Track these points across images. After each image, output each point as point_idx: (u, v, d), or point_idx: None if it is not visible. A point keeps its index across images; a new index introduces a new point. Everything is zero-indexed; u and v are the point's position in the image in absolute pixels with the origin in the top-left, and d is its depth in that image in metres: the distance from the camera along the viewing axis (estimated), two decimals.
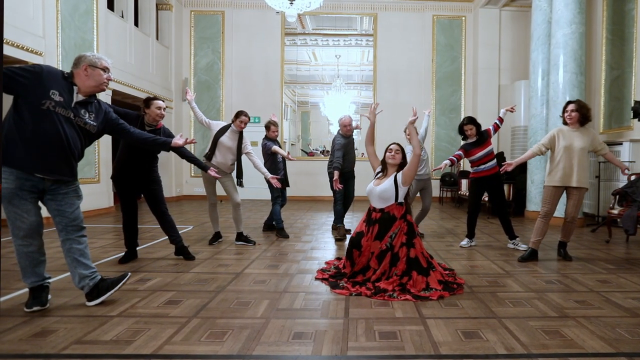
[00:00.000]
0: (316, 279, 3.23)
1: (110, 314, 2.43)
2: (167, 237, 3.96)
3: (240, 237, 4.62)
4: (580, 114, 3.79)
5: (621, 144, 6.21)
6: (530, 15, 7.38)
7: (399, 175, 3.15)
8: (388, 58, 10.25)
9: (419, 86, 10.21)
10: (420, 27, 10.19)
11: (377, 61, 10.30)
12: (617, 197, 5.04)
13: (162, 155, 3.92)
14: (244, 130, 4.54)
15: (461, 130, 4.59)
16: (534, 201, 6.94)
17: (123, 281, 2.68)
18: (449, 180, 9.43)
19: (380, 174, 3.31)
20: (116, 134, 2.90)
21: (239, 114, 4.53)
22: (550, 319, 2.45)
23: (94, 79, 2.57)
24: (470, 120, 4.53)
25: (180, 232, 4.03)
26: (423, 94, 10.18)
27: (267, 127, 5.26)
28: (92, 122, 2.61)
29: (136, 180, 3.72)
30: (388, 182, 3.14)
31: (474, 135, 4.50)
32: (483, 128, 4.65)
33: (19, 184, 2.36)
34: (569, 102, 3.90)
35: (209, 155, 4.43)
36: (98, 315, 2.42)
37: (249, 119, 4.57)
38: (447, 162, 4.45)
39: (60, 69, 2.79)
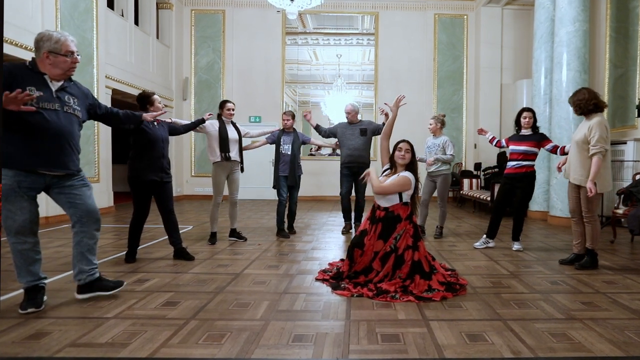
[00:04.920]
0: (317, 279, 3.18)
1: (107, 316, 2.38)
2: (167, 237, 3.91)
3: (234, 233, 4.71)
4: (573, 104, 3.58)
5: (625, 143, 6.14)
6: (533, 13, 7.32)
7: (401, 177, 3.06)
8: (389, 57, 10.19)
9: (421, 85, 10.15)
10: (421, 25, 10.13)
11: (379, 60, 10.24)
12: (622, 196, 4.97)
13: None
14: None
15: (517, 120, 4.33)
16: (537, 201, 6.87)
17: (116, 290, 2.71)
18: (451, 180, 9.34)
19: (388, 171, 3.23)
20: (102, 118, 2.88)
21: (223, 103, 4.55)
22: (557, 321, 2.39)
23: (59, 67, 2.45)
24: (531, 109, 4.28)
25: (180, 231, 3.99)
26: (425, 93, 10.13)
27: (282, 117, 5.14)
28: (77, 107, 2.57)
29: (160, 174, 3.64)
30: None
31: (529, 126, 4.22)
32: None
33: (16, 180, 2.33)
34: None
35: (227, 156, 4.41)
36: (94, 317, 2.37)
37: (235, 106, 4.62)
38: (490, 135, 4.61)
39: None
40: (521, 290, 2.97)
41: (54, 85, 2.47)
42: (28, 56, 5.42)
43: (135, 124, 3.35)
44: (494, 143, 4.69)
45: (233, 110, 4.57)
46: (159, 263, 3.67)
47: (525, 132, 4.29)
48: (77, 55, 2.52)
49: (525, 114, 4.28)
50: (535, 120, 4.28)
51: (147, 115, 3.28)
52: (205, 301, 2.66)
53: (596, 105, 3.51)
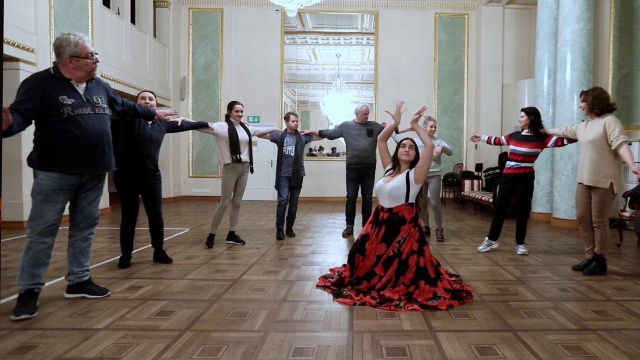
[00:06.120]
0: (317, 286, 3.05)
1: (96, 327, 2.25)
2: (151, 239, 3.79)
3: (232, 236, 4.63)
4: (587, 103, 3.48)
5: (630, 144, 6.04)
6: (534, 13, 7.23)
7: (411, 172, 2.95)
8: (389, 57, 10.08)
9: (421, 85, 10.04)
10: (422, 25, 10.02)
11: (379, 60, 10.13)
12: (629, 198, 4.87)
13: (160, 155, 3.76)
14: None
15: None
16: (540, 202, 6.79)
17: (100, 296, 2.74)
18: (452, 181, 9.26)
19: (391, 170, 3.11)
20: (119, 112, 2.97)
21: (232, 104, 4.47)
22: (570, 332, 2.28)
23: (83, 69, 2.53)
24: (525, 109, 4.17)
25: (177, 234, 3.87)
26: (425, 93, 10.01)
27: (287, 117, 5.07)
28: (104, 105, 2.67)
29: (142, 175, 3.50)
30: (399, 179, 2.94)
31: (526, 126, 4.14)
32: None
33: (59, 183, 2.45)
34: (581, 93, 3.61)
35: (238, 158, 4.32)
36: (83, 328, 2.24)
37: (243, 107, 4.53)
38: (485, 137, 4.54)
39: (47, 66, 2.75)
40: (530, 297, 2.86)
41: (80, 89, 2.54)
42: (20, 54, 5.32)
43: (150, 118, 3.41)
44: (493, 142, 4.56)
45: (242, 111, 4.48)
46: (153, 268, 3.54)
47: (526, 132, 4.19)
48: (96, 54, 2.59)
49: (521, 113, 4.21)
50: (535, 121, 4.12)
51: (160, 113, 3.42)
52: (201, 310, 2.54)
53: (612, 107, 3.47)
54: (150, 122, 3.56)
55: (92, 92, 2.59)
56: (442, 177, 5.27)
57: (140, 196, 3.62)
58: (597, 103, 3.46)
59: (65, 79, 2.49)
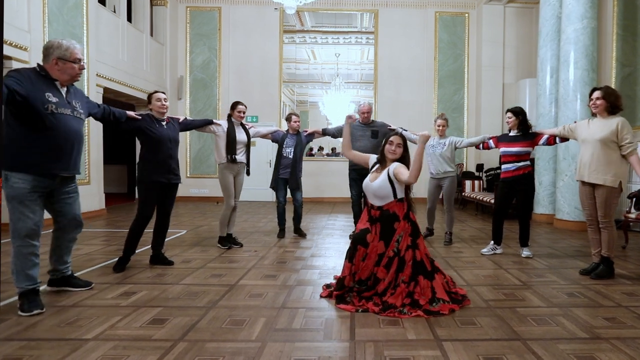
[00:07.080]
0: (321, 296, 2.89)
1: (85, 337, 2.14)
2: (153, 239, 3.70)
3: (229, 238, 4.54)
4: (608, 102, 3.33)
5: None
6: (535, 11, 7.15)
7: (391, 169, 2.77)
8: (389, 56, 9.97)
9: (421, 85, 9.94)
10: (422, 24, 9.92)
11: (378, 59, 10.02)
12: (634, 200, 4.78)
13: None
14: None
15: None
16: (542, 203, 6.70)
17: (83, 289, 2.84)
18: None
19: (378, 165, 2.94)
20: (99, 118, 3.07)
21: (235, 104, 4.43)
22: (581, 340, 2.18)
23: (67, 72, 2.58)
24: (512, 110, 4.10)
25: (173, 236, 3.79)
26: (425, 92, 9.92)
27: (288, 118, 5.03)
28: (81, 110, 2.71)
29: (168, 176, 3.52)
30: (382, 178, 2.80)
31: (514, 126, 4.07)
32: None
33: (34, 184, 2.44)
34: (594, 89, 3.46)
35: (233, 158, 4.26)
36: (71, 338, 2.13)
37: (246, 108, 4.47)
38: (475, 141, 4.58)
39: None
40: (537, 303, 2.76)
41: (62, 91, 2.59)
42: (13, 52, 5.20)
43: (123, 119, 3.36)
44: (481, 146, 4.47)
45: (244, 112, 4.43)
46: (148, 273, 3.43)
47: (514, 132, 4.11)
48: (83, 62, 2.65)
49: (507, 114, 4.14)
50: (523, 121, 4.04)
51: (131, 113, 3.42)
52: (196, 318, 2.43)
53: (622, 106, 3.39)
54: (164, 122, 3.59)
55: (72, 97, 2.65)
56: (456, 178, 5.05)
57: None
58: (614, 98, 3.34)
59: (51, 78, 2.53)
